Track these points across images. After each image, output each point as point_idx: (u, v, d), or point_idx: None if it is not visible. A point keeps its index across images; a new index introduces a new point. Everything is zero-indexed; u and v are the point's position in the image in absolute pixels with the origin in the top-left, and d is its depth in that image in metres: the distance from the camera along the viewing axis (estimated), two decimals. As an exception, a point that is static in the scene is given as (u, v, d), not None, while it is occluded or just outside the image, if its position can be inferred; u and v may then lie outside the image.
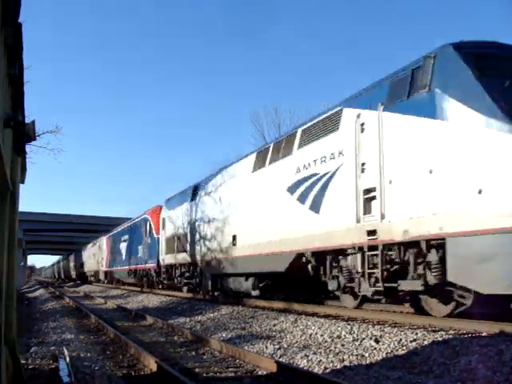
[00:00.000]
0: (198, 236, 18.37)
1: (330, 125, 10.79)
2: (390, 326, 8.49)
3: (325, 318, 10.35)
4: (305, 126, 12.10)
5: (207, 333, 10.39)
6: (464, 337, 6.94)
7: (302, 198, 11.46)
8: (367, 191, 9.26)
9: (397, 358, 6.52)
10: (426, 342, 6.88)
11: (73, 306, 20.15)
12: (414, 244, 8.38)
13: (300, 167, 11.70)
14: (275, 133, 36.87)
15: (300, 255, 11.55)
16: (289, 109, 69.69)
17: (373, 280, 9.20)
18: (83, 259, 54.39)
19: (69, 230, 63.36)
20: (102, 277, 42.80)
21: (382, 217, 8.80)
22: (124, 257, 33.46)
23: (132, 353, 8.04)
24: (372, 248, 9.20)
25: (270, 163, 13.41)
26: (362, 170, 9.43)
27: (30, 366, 6.87)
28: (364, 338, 7.72)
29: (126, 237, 33.31)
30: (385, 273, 8.88)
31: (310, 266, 11.44)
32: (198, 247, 18.31)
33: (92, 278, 49.05)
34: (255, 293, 14.42)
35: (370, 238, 9.07)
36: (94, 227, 57.15)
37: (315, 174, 11.00)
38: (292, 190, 11.94)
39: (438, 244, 7.86)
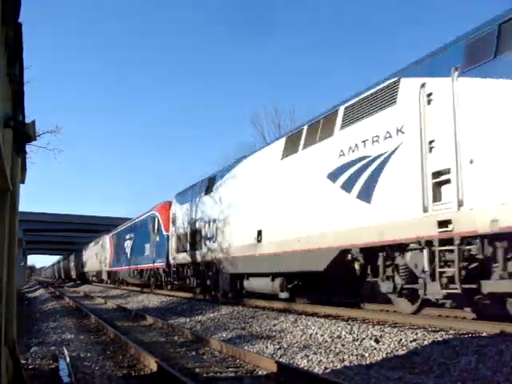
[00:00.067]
0: (213, 232, 16.84)
1: (383, 99, 9.37)
2: (389, 326, 8.50)
3: (325, 317, 10.35)
4: (348, 103, 10.53)
5: (207, 333, 10.39)
6: (464, 337, 6.94)
7: (347, 186, 9.96)
8: (437, 174, 7.88)
9: (397, 358, 6.53)
10: (426, 342, 6.88)
11: (73, 305, 20.14)
12: (503, 236, 6.95)
13: (344, 150, 10.19)
14: (275, 133, 36.86)
15: (344, 252, 10.06)
16: (289, 109, 69.86)
17: (444, 280, 7.74)
18: (84, 259, 53.92)
19: (69, 230, 63.37)
20: (104, 277, 41.57)
21: (460, 204, 7.38)
22: (129, 256, 31.75)
23: (132, 353, 8.03)
24: (444, 242, 7.77)
25: (303, 148, 11.86)
26: (430, 150, 8.04)
27: (30, 366, 6.87)
28: (364, 338, 7.72)
29: (132, 235, 31.77)
30: (462, 272, 7.46)
31: (357, 265, 10.05)
32: (214, 244, 16.72)
33: (94, 279, 48.06)
34: (284, 295, 12.90)
35: (443, 229, 7.61)
36: (94, 227, 57.10)
37: (365, 157, 9.52)
38: (334, 176, 10.41)
39: None
